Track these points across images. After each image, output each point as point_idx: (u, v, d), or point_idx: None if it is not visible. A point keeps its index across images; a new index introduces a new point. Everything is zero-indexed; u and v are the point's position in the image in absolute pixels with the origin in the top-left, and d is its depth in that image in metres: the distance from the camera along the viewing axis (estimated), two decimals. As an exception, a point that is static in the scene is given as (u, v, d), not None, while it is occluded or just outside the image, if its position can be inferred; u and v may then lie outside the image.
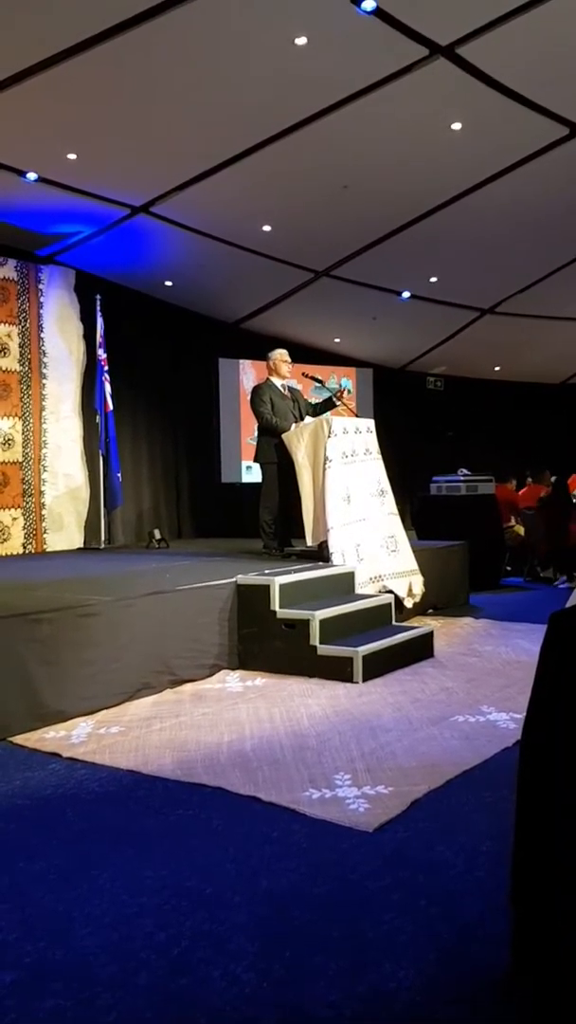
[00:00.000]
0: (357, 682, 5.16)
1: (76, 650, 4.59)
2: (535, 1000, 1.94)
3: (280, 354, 7.37)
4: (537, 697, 1.99)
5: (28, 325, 8.79)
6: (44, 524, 8.85)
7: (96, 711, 4.60)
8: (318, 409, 7.28)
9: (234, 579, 5.66)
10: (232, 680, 5.33)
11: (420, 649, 5.84)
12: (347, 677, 5.19)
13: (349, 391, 7.51)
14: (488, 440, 14.42)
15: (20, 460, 8.69)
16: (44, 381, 8.91)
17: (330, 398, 7.34)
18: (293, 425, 6.95)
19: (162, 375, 10.85)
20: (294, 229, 8.97)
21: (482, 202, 8.50)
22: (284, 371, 7.34)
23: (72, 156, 7.11)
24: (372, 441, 6.99)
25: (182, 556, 7.80)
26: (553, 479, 10.93)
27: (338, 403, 7.22)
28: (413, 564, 7.04)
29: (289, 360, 7.40)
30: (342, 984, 2.09)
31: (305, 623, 5.42)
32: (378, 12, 5.64)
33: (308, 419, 7.10)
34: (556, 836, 1.89)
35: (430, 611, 7.62)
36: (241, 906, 2.48)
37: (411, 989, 2.06)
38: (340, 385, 12.78)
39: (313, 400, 7.53)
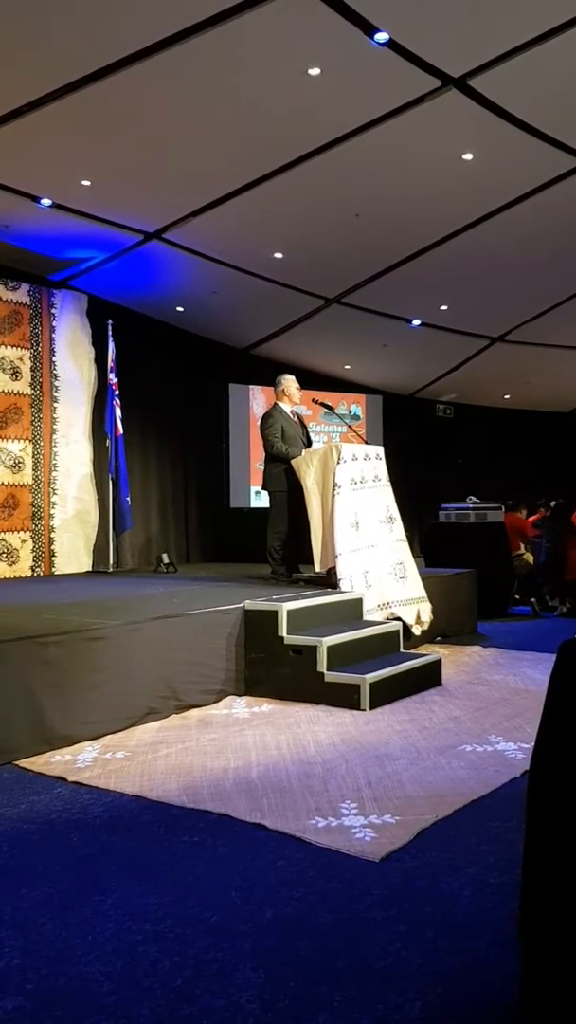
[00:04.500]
0: (364, 710, 5.13)
1: (83, 674, 4.58)
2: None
3: (290, 379, 7.42)
4: (546, 727, 1.97)
5: (40, 349, 8.86)
6: (53, 547, 8.87)
7: (102, 735, 4.58)
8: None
9: (242, 604, 5.65)
10: (239, 706, 5.31)
11: (428, 677, 5.81)
12: (354, 704, 5.17)
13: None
14: (497, 468, 14.43)
15: (30, 483, 8.72)
16: (55, 405, 8.96)
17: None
18: (303, 451, 6.97)
19: (172, 400, 10.91)
20: (305, 256, 9.04)
21: (493, 231, 8.55)
22: (294, 397, 7.38)
23: (86, 182, 7.19)
24: (381, 468, 6.99)
25: (190, 581, 7.79)
26: (553, 504, 10.91)
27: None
28: (421, 591, 7.02)
29: (298, 386, 7.45)
30: (347, 1015, 2.06)
31: (313, 649, 5.39)
32: (391, 44, 5.71)
33: (317, 445, 7.11)
34: (566, 868, 1.86)
35: (438, 639, 7.59)
36: (246, 935, 2.45)
37: (417, 1021, 2.03)
38: (349, 411, 12.83)
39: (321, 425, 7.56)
